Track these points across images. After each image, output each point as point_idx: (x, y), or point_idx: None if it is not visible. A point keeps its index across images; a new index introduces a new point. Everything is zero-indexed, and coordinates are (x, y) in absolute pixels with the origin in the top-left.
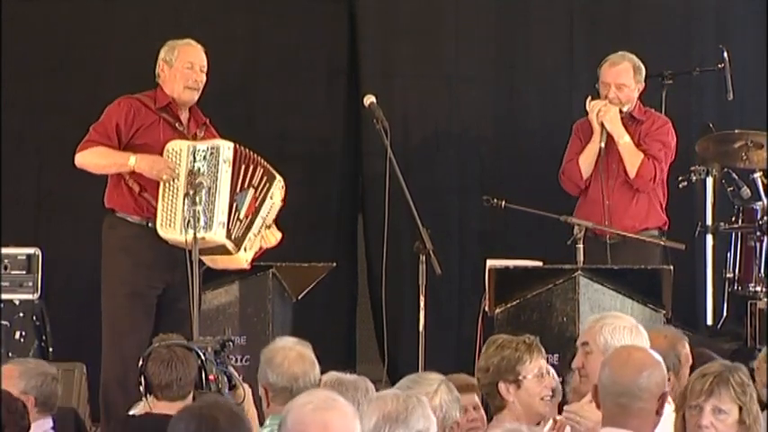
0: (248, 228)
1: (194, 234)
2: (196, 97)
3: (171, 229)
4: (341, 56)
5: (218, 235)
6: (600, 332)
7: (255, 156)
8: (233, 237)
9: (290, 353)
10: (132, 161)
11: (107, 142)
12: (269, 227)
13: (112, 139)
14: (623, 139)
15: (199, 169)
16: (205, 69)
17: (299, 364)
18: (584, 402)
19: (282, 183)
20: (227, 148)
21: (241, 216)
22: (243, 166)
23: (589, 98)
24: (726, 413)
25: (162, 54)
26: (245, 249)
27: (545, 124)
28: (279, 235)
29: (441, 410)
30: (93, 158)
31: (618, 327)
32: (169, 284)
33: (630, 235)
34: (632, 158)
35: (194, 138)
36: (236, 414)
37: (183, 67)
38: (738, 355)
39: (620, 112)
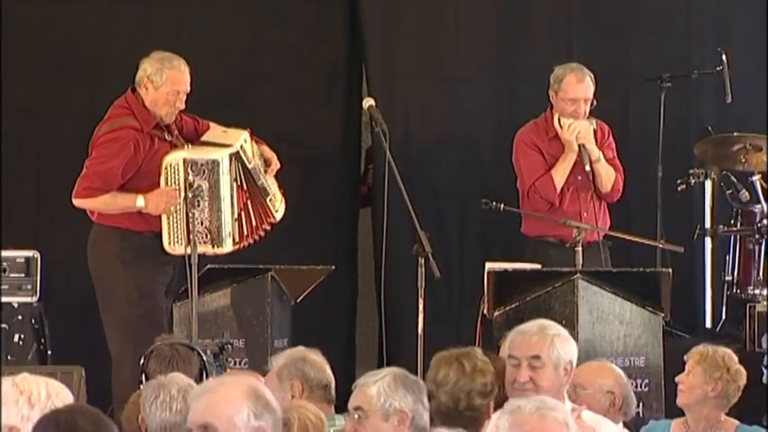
0: (264, 195)
1: (193, 239)
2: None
3: (179, 246)
4: (341, 58)
5: (227, 247)
6: (552, 345)
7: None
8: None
9: None
10: (141, 203)
11: (111, 188)
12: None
13: (116, 183)
14: (601, 158)
15: (200, 186)
16: (188, 90)
17: None
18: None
19: (245, 134)
20: (223, 160)
21: (254, 222)
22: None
23: (557, 116)
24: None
25: (148, 68)
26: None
27: None
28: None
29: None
30: (97, 206)
31: (564, 337)
32: (168, 286)
33: (629, 237)
34: (609, 175)
35: (179, 137)
36: (101, 418)
37: (169, 94)
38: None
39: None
